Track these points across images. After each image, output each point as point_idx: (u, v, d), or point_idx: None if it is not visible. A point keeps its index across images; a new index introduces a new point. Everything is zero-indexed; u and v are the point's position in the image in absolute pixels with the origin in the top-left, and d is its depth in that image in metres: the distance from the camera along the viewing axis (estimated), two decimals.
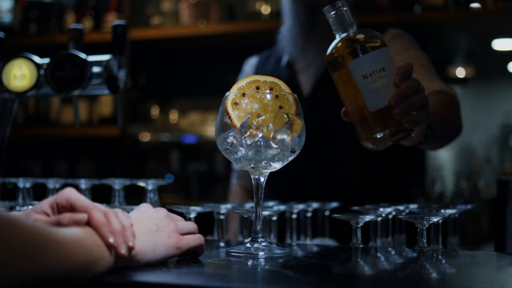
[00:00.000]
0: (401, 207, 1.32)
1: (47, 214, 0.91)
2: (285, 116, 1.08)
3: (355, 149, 1.71)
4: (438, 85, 1.67)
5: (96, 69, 1.49)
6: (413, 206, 1.39)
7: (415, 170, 3.50)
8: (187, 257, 1.03)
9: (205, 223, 1.30)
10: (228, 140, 1.09)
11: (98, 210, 0.88)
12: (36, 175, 3.94)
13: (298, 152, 1.11)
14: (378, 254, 1.16)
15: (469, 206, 1.39)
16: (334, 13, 1.23)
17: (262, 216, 1.15)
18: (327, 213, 1.47)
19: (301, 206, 1.41)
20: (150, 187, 1.41)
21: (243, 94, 1.09)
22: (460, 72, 4.12)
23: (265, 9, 3.67)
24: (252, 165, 1.10)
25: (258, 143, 1.06)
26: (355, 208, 1.29)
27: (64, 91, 1.49)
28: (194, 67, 4.19)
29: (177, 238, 0.99)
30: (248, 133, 1.06)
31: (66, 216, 0.88)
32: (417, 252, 1.17)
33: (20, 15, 4.15)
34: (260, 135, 1.06)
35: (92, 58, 1.50)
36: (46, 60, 1.52)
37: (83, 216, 0.87)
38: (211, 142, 3.83)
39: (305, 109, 1.16)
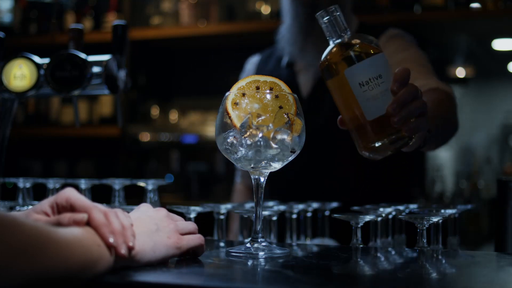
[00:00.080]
0: (401, 207, 1.32)
1: (47, 214, 0.91)
2: (285, 116, 1.08)
3: (355, 149, 1.70)
4: (434, 83, 1.67)
5: (96, 69, 1.49)
6: (413, 206, 1.39)
7: (415, 170, 3.50)
8: (187, 257, 1.03)
9: (205, 223, 1.30)
10: (228, 140, 1.09)
11: (98, 210, 0.88)
12: (36, 175, 3.94)
13: (298, 152, 1.11)
14: (378, 254, 1.16)
15: (469, 206, 1.39)
16: (327, 19, 1.17)
17: (262, 216, 1.15)
18: (327, 213, 1.47)
19: (301, 206, 1.41)
20: (150, 187, 1.41)
21: (243, 94, 1.09)
22: (460, 72, 4.12)
23: (265, 9, 3.67)
24: (252, 165, 1.10)
25: (258, 143, 1.06)
26: (355, 208, 1.29)
27: (64, 91, 1.49)
28: (194, 67, 4.19)
29: (177, 238, 0.99)
30: (248, 133, 1.06)
31: (66, 216, 0.88)
32: (417, 252, 1.17)
33: (20, 15, 4.15)
34: (260, 135, 1.06)
35: (92, 58, 1.50)
36: (46, 60, 1.52)
37: (83, 216, 0.87)
38: (211, 142, 3.83)
39: (304, 109, 1.15)
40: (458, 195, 3.92)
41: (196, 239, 1.03)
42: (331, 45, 1.18)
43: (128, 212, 0.97)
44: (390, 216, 1.31)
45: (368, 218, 1.18)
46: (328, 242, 1.46)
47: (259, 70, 2.15)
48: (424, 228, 1.17)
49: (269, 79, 1.12)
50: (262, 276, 0.95)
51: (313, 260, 1.11)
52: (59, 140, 4.21)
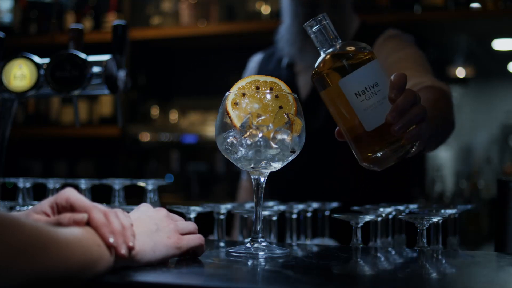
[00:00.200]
0: (401, 207, 1.32)
1: (47, 214, 0.91)
2: (285, 116, 1.08)
3: None
4: (428, 80, 1.66)
5: (96, 69, 1.49)
6: (413, 206, 1.39)
7: (415, 170, 3.50)
8: (187, 257, 1.03)
9: (205, 223, 1.30)
10: (228, 140, 1.09)
11: (98, 210, 0.88)
12: (36, 175, 3.94)
13: (298, 152, 1.11)
14: (378, 254, 1.16)
15: (469, 206, 1.39)
16: (317, 28, 1.12)
17: (262, 216, 1.15)
18: (327, 213, 1.47)
19: (301, 206, 1.41)
20: (150, 187, 1.41)
21: (243, 94, 1.09)
22: (460, 72, 4.12)
23: (265, 9, 3.67)
24: (252, 165, 1.10)
25: (258, 143, 1.06)
26: (355, 208, 1.29)
27: (64, 91, 1.49)
28: (194, 67, 4.19)
29: (177, 238, 0.99)
30: (248, 133, 1.06)
31: (66, 216, 0.88)
32: (417, 252, 1.17)
33: (20, 15, 4.15)
34: (260, 135, 1.06)
35: (92, 58, 1.50)
36: (46, 60, 1.52)
37: (83, 216, 0.87)
38: (211, 142, 3.83)
39: (304, 110, 1.14)
40: (458, 195, 3.92)
41: (196, 239, 1.03)
42: (322, 55, 1.13)
43: (128, 212, 0.97)
44: (390, 216, 1.31)
45: (368, 218, 1.18)
46: (328, 242, 1.46)
47: (261, 69, 2.15)
48: (424, 228, 1.17)
49: (269, 79, 1.12)
50: (262, 276, 0.95)
51: (313, 260, 1.11)
52: (59, 140, 4.21)
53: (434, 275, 0.97)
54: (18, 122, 4.06)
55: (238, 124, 1.07)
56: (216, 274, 0.95)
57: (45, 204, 0.92)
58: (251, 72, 2.19)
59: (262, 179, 1.13)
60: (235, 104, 1.08)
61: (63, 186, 1.38)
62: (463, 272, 1.05)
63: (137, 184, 1.44)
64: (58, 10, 4.03)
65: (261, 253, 1.08)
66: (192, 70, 4.20)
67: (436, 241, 1.22)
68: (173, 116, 4.14)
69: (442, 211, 1.22)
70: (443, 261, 1.10)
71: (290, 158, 1.11)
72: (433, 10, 3.23)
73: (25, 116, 4.12)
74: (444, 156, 4.39)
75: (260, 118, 1.07)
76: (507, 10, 3.14)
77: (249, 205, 1.41)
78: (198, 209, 1.29)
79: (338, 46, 1.12)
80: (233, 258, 1.07)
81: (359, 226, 1.19)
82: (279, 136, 1.07)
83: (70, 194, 0.91)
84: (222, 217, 1.33)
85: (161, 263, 0.95)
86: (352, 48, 1.11)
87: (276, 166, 1.11)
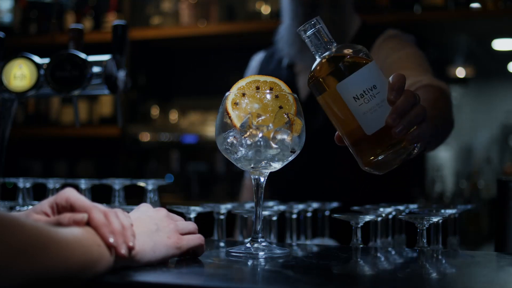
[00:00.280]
0: (401, 207, 1.32)
1: (47, 214, 0.91)
2: (285, 116, 1.08)
3: None
4: (427, 79, 1.65)
5: (96, 69, 1.49)
6: (413, 206, 1.39)
7: (415, 170, 3.50)
8: (187, 257, 1.03)
9: (205, 223, 1.30)
10: (228, 140, 1.09)
11: (98, 210, 0.88)
12: (36, 175, 3.94)
13: (298, 152, 1.11)
14: (378, 254, 1.16)
15: (469, 206, 1.39)
16: (311, 32, 1.10)
17: (262, 216, 1.15)
18: (327, 213, 1.47)
19: (301, 206, 1.41)
20: (150, 187, 1.41)
21: (243, 94, 1.09)
22: (460, 72, 4.12)
23: (265, 9, 3.68)
24: (252, 165, 1.10)
25: (258, 143, 1.06)
26: (355, 208, 1.29)
27: (64, 91, 1.49)
28: (194, 67, 4.19)
29: (177, 238, 0.99)
30: (248, 133, 1.06)
31: (66, 216, 0.88)
32: (417, 252, 1.17)
33: (20, 15, 4.15)
34: (260, 135, 1.06)
35: (92, 58, 1.51)
36: (46, 60, 1.52)
37: (83, 216, 0.87)
38: (211, 142, 3.83)
39: (304, 110, 1.14)
40: (458, 195, 3.92)
41: (196, 239, 1.03)
42: (318, 59, 1.10)
43: (128, 212, 0.97)
44: (390, 216, 1.31)
45: (368, 218, 1.18)
46: (328, 242, 1.46)
47: (262, 68, 2.16)
48: (424, 228, 1.17)
49: (269, 79, 1.12)
50: (262, 276, 0.95)
51: (313, 260, 1.11)
52: (59, 140, 4.21)
53: (434, 275, 0.97)
54: (18, 122, 4.06)
55: (238, 124, 1.07)
56: (216, 274, 0.95)
57: (45, 204, 0.92)
58: (253, 71, 2.20)
59: (262, 179, 1.13)
60: (235, 104, 1.08)
61: (63, 186, 1.38)
62: (463, 272, 1.05)
63: (137, 184, 1.44)
64: (58, 10, 4.03)
65: (261, 253, 1.08)
66: (192, 70, 4.20)
67: (436, 241, 1.22)
68: (173, 116, 4.14)
69: (442, 211, 1.22)
70: (443, 261, 1.10)
71: (290, 158, 1.11)
72: (433, 10, 3.23)
73: (25, 116, 4.12)
74: (444, 156, 4.39)
75: (260, 118, 1.07)
76: (507, 10, 3.14)
77: (249, 205, 1.41)
78: (198, 209, 1.29)
79: (333, 50, 1.10)
80: (233, 258, 1.07)
81: (359, 226, 1.19)
82: (279, 136, 1.07)
83: (70, 194, 0.91)
84: (222, 217, 1.33)
85: (161, 263, 0.95)
86: (349, 51, 1.09)
87: (276, 166, 1.11)
